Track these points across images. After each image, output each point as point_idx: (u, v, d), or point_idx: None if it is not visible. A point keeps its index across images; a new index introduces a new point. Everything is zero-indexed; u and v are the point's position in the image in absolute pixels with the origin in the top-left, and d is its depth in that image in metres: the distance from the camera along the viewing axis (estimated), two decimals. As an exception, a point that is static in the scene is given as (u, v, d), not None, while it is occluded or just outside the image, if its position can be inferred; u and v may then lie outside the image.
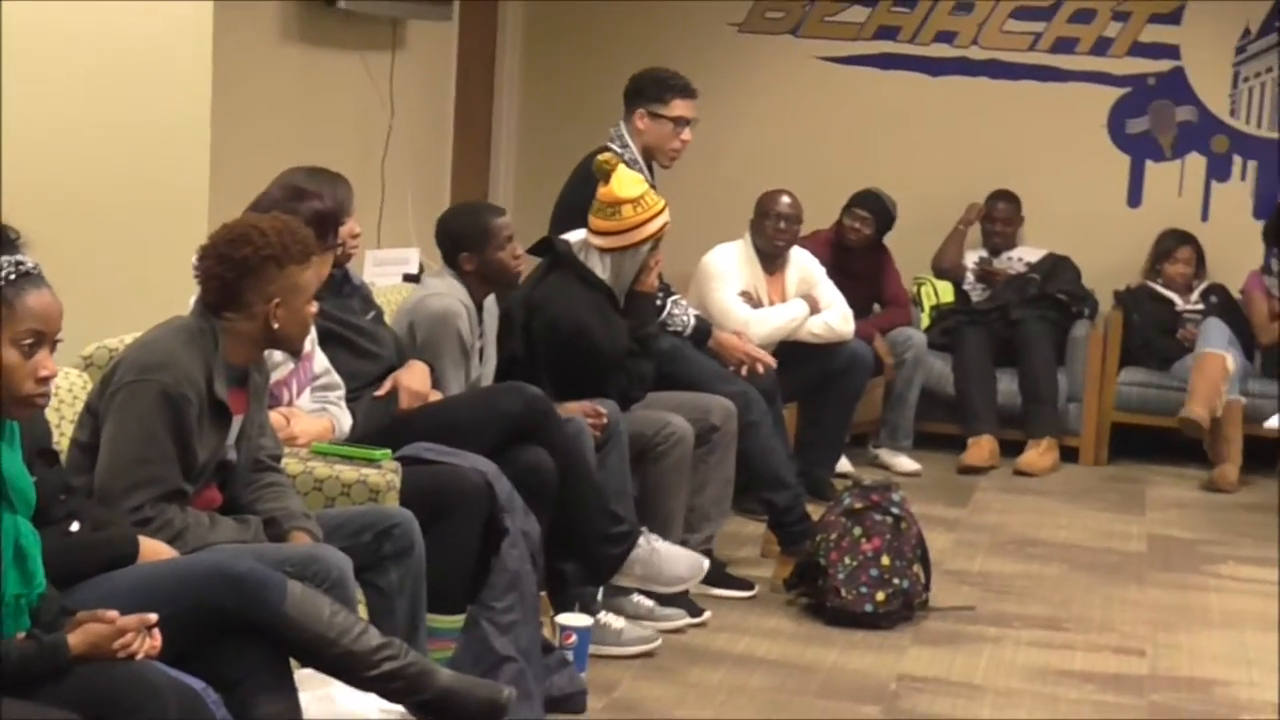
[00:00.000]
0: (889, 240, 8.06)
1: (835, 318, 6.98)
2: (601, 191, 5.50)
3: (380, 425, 4.72)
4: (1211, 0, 8.71)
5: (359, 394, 4.75)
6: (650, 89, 6.17)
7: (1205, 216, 8.80)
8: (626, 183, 5.47)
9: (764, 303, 6.89)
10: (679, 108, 6.16)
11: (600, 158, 5.57)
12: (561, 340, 5.42)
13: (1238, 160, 8.80)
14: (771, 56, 9.09)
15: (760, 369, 6.36)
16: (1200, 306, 8.38)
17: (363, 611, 3.93)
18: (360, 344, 4.82)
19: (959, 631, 5.58)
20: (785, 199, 6.97)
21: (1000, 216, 8.67)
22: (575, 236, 5.58)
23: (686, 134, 6.19)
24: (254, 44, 6.35)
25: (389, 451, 4.39)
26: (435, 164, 8.13)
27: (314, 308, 3.97)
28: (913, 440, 7.99)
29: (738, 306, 6.74)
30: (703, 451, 5.74)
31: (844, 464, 7.49)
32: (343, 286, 4.85)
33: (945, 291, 8.59)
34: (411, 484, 4.32)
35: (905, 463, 7.88)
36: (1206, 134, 8.82)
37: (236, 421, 3.89)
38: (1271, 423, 7.31)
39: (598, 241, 5.51)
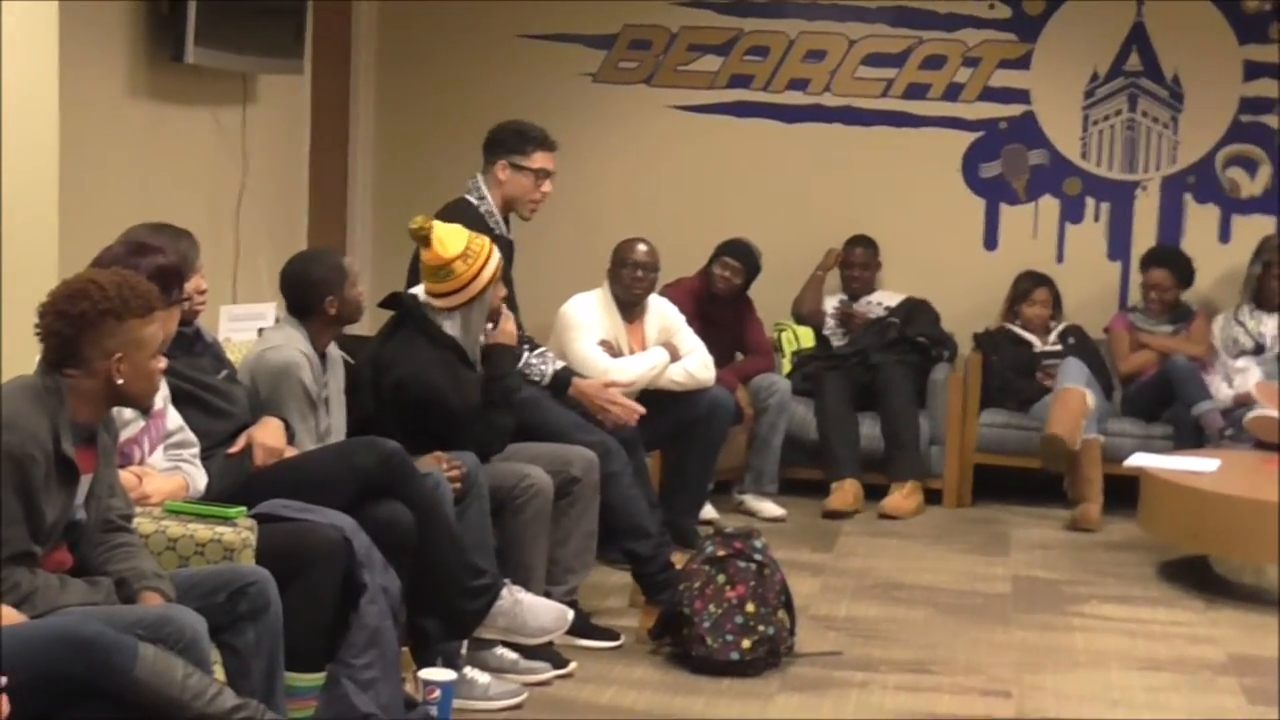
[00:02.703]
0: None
1: (695, 365, 6.97)
2: (427, 256, 5.43)
3: (235, 483, 4.65)
4: (1059, 46, 8.85)
5: (212, 453, 4.68)
6: (511, 140, 6.15)
7: (1060, 258, 8.91)
8: (449, 241, 5.41)
9: (624, 351, 6.86)
10: (540, 159, 6.14)
11: (412, 226, 5.44)
12: (411, 401, 5.36)
13: (1090, 202, 8.92)
14: (626, 106, 9.11)
15: (631, 420, 6.32)
16: (1058, 347, 8.47)
17: (219, 673, 3.86)
18: (212, 402, 4.75)
19: (826, 677, 5.56)
20: (642, 247, 6.96)
21: (858, 261, 8.73)
22: (423, 290, 5.53)
23: (547, 186, 6.18)
24: (101, 100, 6.26)
25: (244, 509, 4.33)
26: (290, 218, 8.04)
27: (161, 363, 3.91)
28: (778, 485, 7.99)
29: (597, 356, 6.70)
30: (564, 503, 5.70)
31: (709, 510, 7.48)
32: (194, 345, 4.78)
33: (806, 337, 8.63)
34: (267, 542, 4.25)
35: (770, 508, 7.88)
36: (1059, 177, 8.94)
37: (85, 481, 3.81)
38: (1132, 461, 7.37)
39: (440, 304, 5.46)
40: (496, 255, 5.50)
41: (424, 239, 5.41)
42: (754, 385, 7.98)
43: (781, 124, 9.06)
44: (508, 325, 5.62)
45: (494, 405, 5.50)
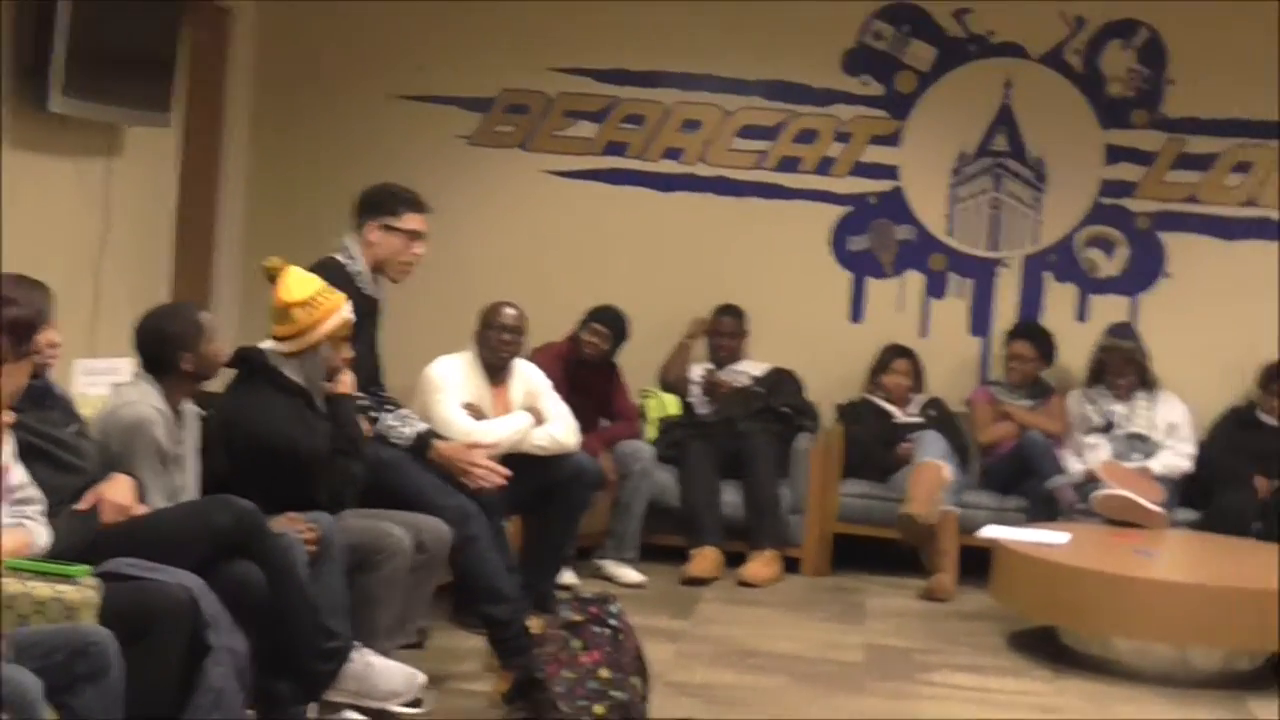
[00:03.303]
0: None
1: (560, 429, 6.97)
2: (274, 296, 5.45)
3: (82, 540, 4.58)
4: (929, 124, 8.99)
5: (61, 509, 4.61)
6: (384, 202, 6.14)
7: (924, 332, 9.03)
8: (294, 286, 5.43)
9: (488, 414, 6.86)
10: (411, 221, 6.13)
11: (266, 263, 5.48)
12: (261, 452, 5.34)
13: (954, 278, 9.06)
14: (501, 169, 9.14)
15: (495, 483, 6.30)
16: (919, 419, 8.57)
17: (54, 734, 3.81)
18: (61, 457, 4.70)
19: (677, 744, 5.59)
20: (509, 310, 6.98)
21: (726, 330, 8.81)
22: (270, 342, 5.52)
23: (419, 248, 6.16)
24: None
25: (87, 568, 4.27)
26: (153, 272, 7.97)
27: (9, 417, 3.87)
28: (639, 552, 8.01)
29: (461, 418, 6.70)
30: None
31: (568, 576, 7.49)
32: (44, 398, 4.73)
33: (671, 404, 8.68)
34: (112, 600, 4.21)
35: (630, 574, 7.90)
36: (925, 252, 9.06)
37: (-77, 537, 3.76)
38: (985, 532, 7.48)
39: (279, 347, 5.47)
40: (342, 316, 5.49)
41: (272, 278, 5.43)
42: (618, 451, 8.02)
43: (655, 192, 9.14)
44: (346, 377, 5.61)
45: (343, 453, 5.49)
